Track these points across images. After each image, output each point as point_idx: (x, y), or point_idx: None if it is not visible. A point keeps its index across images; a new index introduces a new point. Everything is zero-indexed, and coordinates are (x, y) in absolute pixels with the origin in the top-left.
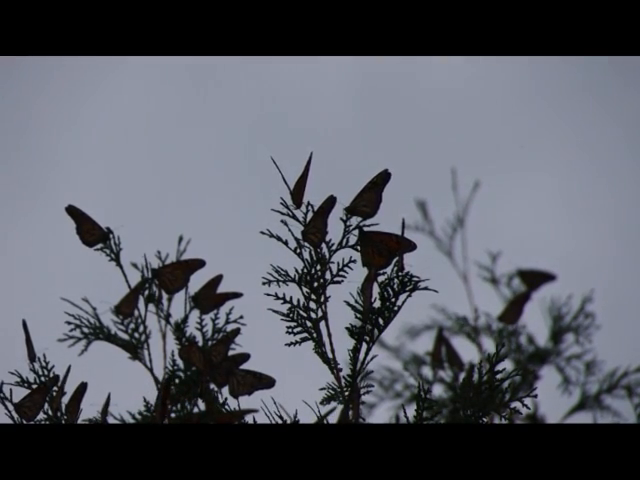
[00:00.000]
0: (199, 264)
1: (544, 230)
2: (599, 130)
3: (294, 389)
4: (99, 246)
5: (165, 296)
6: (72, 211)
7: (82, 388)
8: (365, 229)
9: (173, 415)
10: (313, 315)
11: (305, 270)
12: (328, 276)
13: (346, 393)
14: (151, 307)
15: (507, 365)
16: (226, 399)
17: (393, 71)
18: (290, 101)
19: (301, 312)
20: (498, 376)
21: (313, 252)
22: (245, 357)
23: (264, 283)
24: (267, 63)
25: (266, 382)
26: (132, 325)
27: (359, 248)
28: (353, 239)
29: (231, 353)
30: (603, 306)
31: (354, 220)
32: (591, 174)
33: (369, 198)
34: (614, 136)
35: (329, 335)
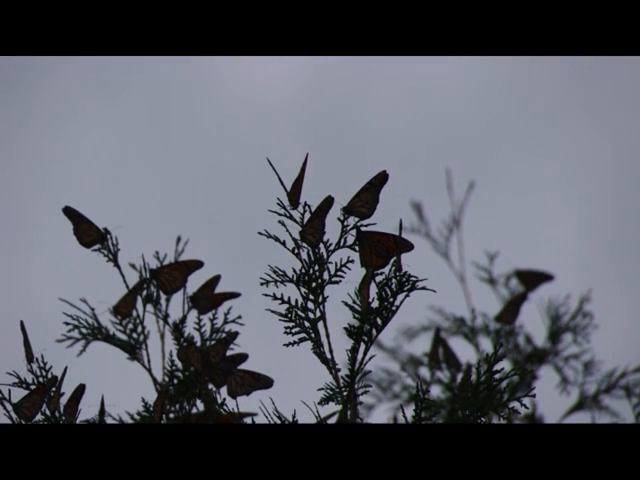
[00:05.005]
0: (197, 265)
1: (541, 230)
2: (593, 133)
3: (292, 389)
4: (97, 247)
5: (163, 296)
6: (69, 212)
7: (81, 389)
8: (362, 229)
9: (172, 415)
10: (311, 315)
11: (303, 270)
12: (326, 276)
13: (344, 393)
14: (149, 307)
15: (505, 365)
16: (224, 399)
17: (389, 70)
18: (288, 100)
19: (299, 312)
20: (496, 376)
21: (311, 252)
22: (243, 357)
23: (262, 283)
24: (265, 62)
25: (264, 382)
26: (130, 325)
27: (357, 248)
28: (351, 239)
29: (229, 353)
30: (601, 306)
31: (351, 220)
32: (587, 174)
33: (366, 199)
34: (609, 138)
35: (327, 335)
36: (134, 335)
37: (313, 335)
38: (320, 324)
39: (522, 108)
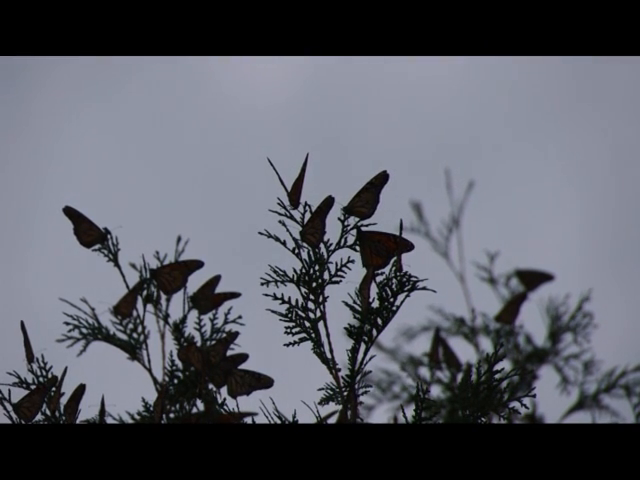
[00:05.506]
0: (197, 265)
1: (541, 229)
2: (594, 133)
3: (292, 389)
4: (97, 247)
5: (163, 296)
6: (69, 212)
7: (81, 389)
8: (363, 229)
9: (172, 415)
10: (312, 315)
11: (303, 270)
12: (326, 276)
13: (344, 393)
14: (150, 307)
15: (505, 365)
16: (224, 399)
17: (389, 71)
18: (288, 100)
19: (299, 312)
20: (496, 376)
21: (311, 252)
22: (244, 357)
23: (262, 283)
24: (265, 62)
25: (264, 382)
26: (131, 325)
27: (357, 248)
28: (351, 239)
29: (230, 353)
30: (601, 305)
31: (352, 220)
32: (588, 174)
33: (367, 199)
34: (610, 138)
35: (327, 335)
36: (134, 335)
37: (313, 335)
38: (320, 324)
39: (522, 108)
